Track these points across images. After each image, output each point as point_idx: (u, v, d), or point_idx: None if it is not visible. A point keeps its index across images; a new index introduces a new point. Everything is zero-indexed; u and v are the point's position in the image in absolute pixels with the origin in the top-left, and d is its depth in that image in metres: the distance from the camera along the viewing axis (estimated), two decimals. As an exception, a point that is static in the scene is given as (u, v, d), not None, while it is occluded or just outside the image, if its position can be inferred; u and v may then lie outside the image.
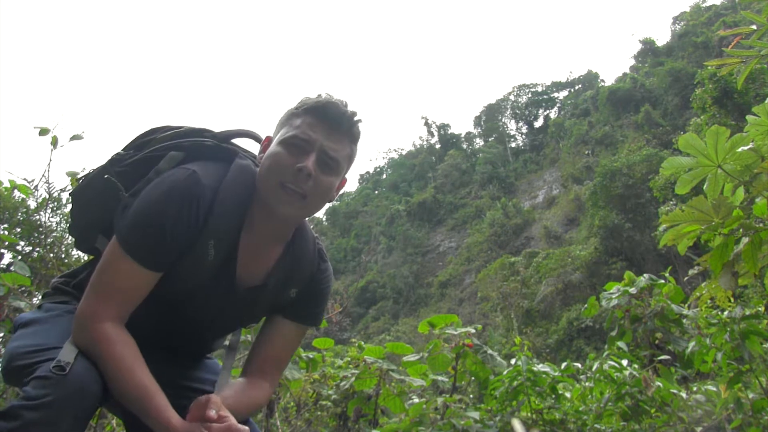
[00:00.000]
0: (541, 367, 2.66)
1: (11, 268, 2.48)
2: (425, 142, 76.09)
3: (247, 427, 1.07)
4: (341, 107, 1.24)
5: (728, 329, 2.45)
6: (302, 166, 1.18)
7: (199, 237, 1.17)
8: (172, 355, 1.36)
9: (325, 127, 1.23)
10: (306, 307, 1.37)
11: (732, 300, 2.83)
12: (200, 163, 1.25)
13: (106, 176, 1.29)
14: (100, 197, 1.32)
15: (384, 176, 80.00)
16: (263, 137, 1.34)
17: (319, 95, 1.28)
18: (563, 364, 2.84)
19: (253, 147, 1.40)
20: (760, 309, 3.01)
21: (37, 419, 0.93)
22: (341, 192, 1.37)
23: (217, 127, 1.42)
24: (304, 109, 1.24)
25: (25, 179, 3.17)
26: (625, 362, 2.69)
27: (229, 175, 1.24)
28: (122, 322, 1.14)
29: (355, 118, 1.27)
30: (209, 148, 1.31)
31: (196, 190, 1.16)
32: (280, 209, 1.20)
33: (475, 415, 2.43)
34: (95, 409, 1.07)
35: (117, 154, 1.36)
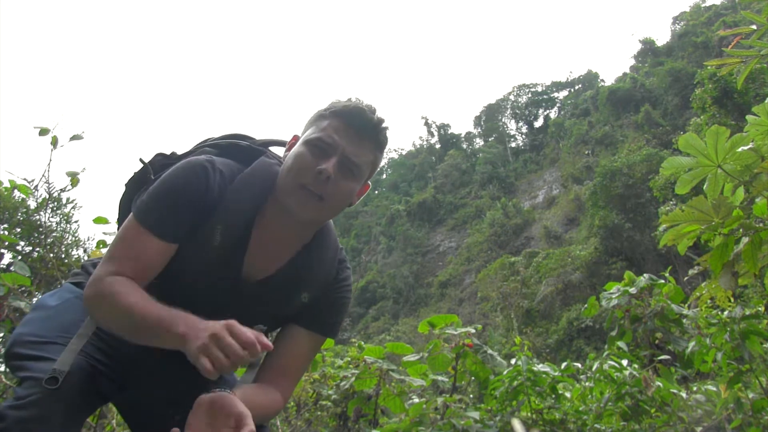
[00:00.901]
0: (541, 367, 2.66)
1: (11, 268, 2.48)
2: (425, 142, 76.17)
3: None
4: (368, 114, 1.25)
5: (728, 329, 2.44)
6: (322, 168, 1.18)
7: (208, 219, 1.20)
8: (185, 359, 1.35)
9: (350, 132, 1.23)
10: (320, 315, 1.35)
11: (732, 300, 2.83)
12: (223, 158, 1.30)
13: (144, 161, 1.40)
14: (138, 183, 1.42)
15: (384, 176, 79.93)
16: None
17: (349, 99, 1.29)
18: (563, 364, 2.84)
19: None
20: (760, 309, 3.01)
21: (24, 417, 0.94)
22: (362, 197, 1.36)
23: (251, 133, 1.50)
24: (331, 112, 1.25)
25: (25, 179, 3.17)
26: (625, 362, 2.69)
27: (248, 169, 1.28)
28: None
29: (382, 126, 1.27)
30: (241, 148, 1.37)
31: (209, 170, 1.21)
32: (296, 209, 1.20)
33: (475, 415, 2.42)
34: (88, 403, 1.07)
35: (172, 152, 1.45)
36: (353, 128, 1.23)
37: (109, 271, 1.13)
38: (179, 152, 1.45)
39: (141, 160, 1.41)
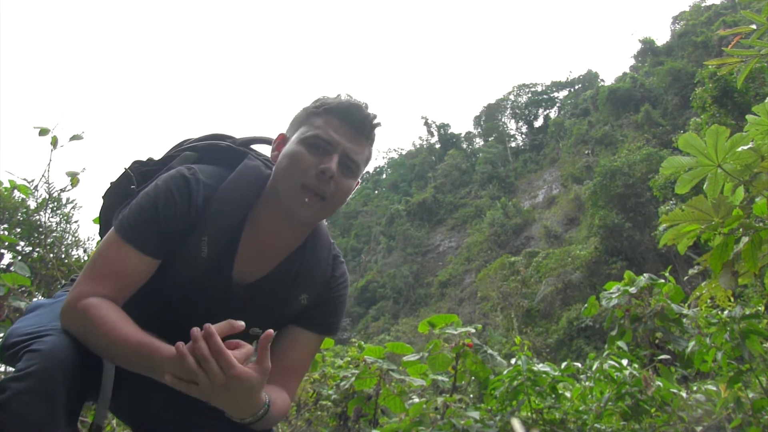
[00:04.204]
0: (541, 367, 2.66)
1: (11, 268, 2.49)
2: (425, 142, 76.11)
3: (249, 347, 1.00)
4: (364, 110, 1.23)
5: (728, 329, 2.44)
6: (326, 167, 1.16)
7: (192, 231, 1.17)
8: None
9: (347, 129, 1.21)
10: (320, 315, 1.34)
11: (732, 299, 2.83)
12: (205, 165, 1.27)
13: (125, 169, 1.37)
14: (118, 194, 1.39)
15: (384, 176, 79.96)
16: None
17: (339, 95, 1.27)
18: (563, 364, 2.84)
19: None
20: (760, 308, 3.01)
21: (23, 388, 0.93)
22: (353, 193, 1.34)
23: (234, 132, 1.47)
24: (325, 109, 1.23)
25: (25, 179, 3.17)
26: (625, 362, 2.69)
27: (232, 175, 1.24)
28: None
29: (375, 121, 1.26)
30: (222, 149, 1.35)
31: (191, 183, 1.19)
32: (298, 210, 1.18)
33: (475, 414, 2.43)
34: (88, 386, 1.05)
35: (148, 158, 1.42)
36: (349, 125, 1.21)
37: (87, 292, 1.09)
38: (156, 157, 1.42)
39: (125, 168, 1.38)
